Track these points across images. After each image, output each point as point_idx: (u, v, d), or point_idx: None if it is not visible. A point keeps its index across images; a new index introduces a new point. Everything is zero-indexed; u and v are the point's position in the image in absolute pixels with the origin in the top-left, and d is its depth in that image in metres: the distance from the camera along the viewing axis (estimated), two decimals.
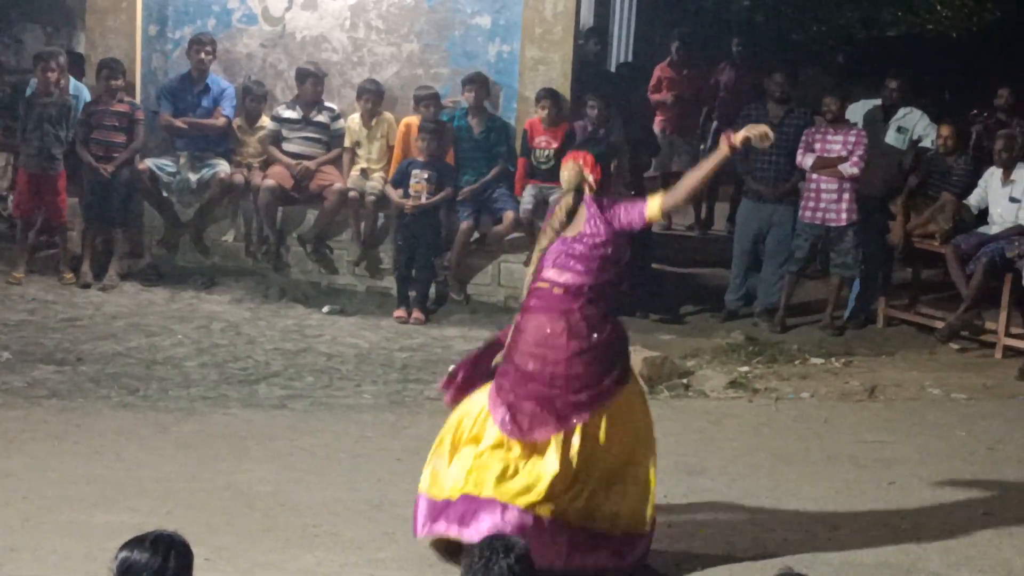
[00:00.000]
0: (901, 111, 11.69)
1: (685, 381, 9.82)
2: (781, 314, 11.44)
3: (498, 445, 6.33)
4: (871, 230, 11.45)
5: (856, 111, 11.60)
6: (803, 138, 11.28)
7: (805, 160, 11.23)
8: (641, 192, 12.36)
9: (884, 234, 11.54)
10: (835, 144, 11.19)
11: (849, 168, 11.08)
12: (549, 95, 11.36)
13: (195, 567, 4.02)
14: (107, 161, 11.43)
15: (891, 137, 11.61)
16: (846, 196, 11.18)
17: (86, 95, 11.80)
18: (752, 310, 11.67)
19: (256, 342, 10.41)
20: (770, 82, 11.63)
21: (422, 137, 11.23)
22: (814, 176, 11.24)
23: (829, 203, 11.22)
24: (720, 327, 11.42)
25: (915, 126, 11.64)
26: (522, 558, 3.88)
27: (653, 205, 6.42)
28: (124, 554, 3.91)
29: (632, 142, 12.20)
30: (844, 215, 11.21)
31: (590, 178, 6.47)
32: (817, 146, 11.22)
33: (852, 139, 11.16)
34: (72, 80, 11.81)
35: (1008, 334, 10.80)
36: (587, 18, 15.03)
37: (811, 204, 11.29)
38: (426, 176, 11.19)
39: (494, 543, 3.90)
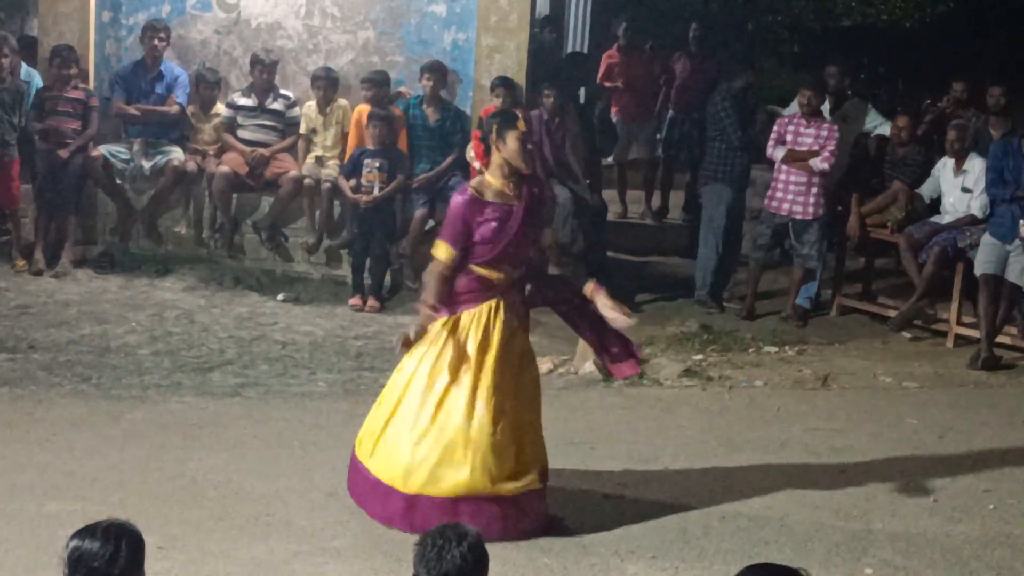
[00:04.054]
0: (848, 103, 11.74)
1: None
2: (749, 304, 11.49)
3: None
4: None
5: (795, 104, 11.62)
6: (775, 129, 11.28)
7: (776, 152, 11.24)
8: (598, 181, 12.42)
9: (837, 224, 11.60)
10: (807, 137, 11.16)
11: (820, 164, 11.06)
12: (504, 83, 11.34)
13: (147, 556, 4.01)
14: (60, 148, 11.36)
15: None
16: (814, 190, 11.19)
17: (38, 81, 11.73)
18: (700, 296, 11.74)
19: (210, 330, 10.37)
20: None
21: (372, 124, 11.20)
22: (783, 167, 11.26)
23: (797, 195, 11.21)
24: (675, 315, 11.45)
25: (862, 116, 11.70)
26: (474, 546, 3.89)
27: (437, 251, 6.86)
28: (75, 543, 3.90)
29: (589, 131, 12.23)
30: (811, 208, 11.22)
31: (470, 154, 6.95)
32: (789, 138, 11.22)
33: (824, 133, 11.14)
34: (24, 65, 11.72)
35: (960, 323, 10.88)
36: (543, 6, 15.02)
37: (778, 195, 11.30)
38: (377, 165, 11.17)
39: (446, 531, 3.90)
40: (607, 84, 13.83)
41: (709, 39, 14.11)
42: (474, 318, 6.76)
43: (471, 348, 6.72)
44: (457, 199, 6.80)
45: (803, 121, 11.21)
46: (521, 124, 6.79)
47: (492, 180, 6.79)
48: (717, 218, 11.68)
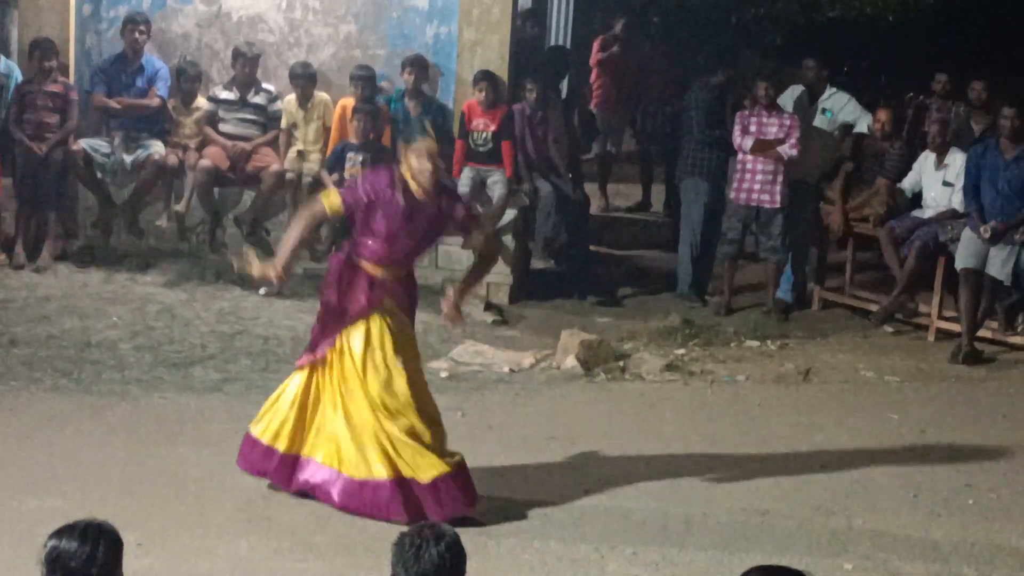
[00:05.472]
0: (827, 92, 11.75)
1: (621, 364, 9.84)
2: (725, 298, 11.50)
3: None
4: (803, 214, 11.53)
5: (784, 98, 11.64)
6: (738, 120, 11.33)
7: (744, 142, 11.26)
8: (579, 176, 12.43)
9: (816, 218, 11.62)
10: (771, 127, 11.24)
11: (788, 150, 11.14)
12: (487, 77, 11.35)
13: (127, 552, 4.01)
14: (40, 142, 11.32)
15: (817, 119, 11.65)
16: (780, 179, 11.24)
17: (18, 74, 11.67)
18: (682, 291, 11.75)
19: (191, 325, 10.34)
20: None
21: (357, 119, 11.18)
22: (749, 157, 11.28)
23: (764, 184, 11.26)
24: (657, 310, 11.45)
25: (842, 109, 11.70)
26: (452, 545, 3.88)
27: (325, 197, 6.98)
28: (53, 543, 3.89)
29: (569, 125, 12.22)
30: (777, 198, 11.26)
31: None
32: (753, 128, 11.27)
33: (787, 122, 11.22)
34: (3, 59, 11.67)
35: (941, 317, 10.91)
36: (524, 0, 14.99)
37: (744, 186, 11.34)
38: (360, 159, 11.15)
39: (424, 531, 3.89)
40: (600, 56, 13.81)
41: (675, 30, 14.07)
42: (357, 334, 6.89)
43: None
44: (386, 172, 6.84)
45: (764, 111, 11.26)
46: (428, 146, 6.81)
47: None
48: (695, 212, 11.70)
